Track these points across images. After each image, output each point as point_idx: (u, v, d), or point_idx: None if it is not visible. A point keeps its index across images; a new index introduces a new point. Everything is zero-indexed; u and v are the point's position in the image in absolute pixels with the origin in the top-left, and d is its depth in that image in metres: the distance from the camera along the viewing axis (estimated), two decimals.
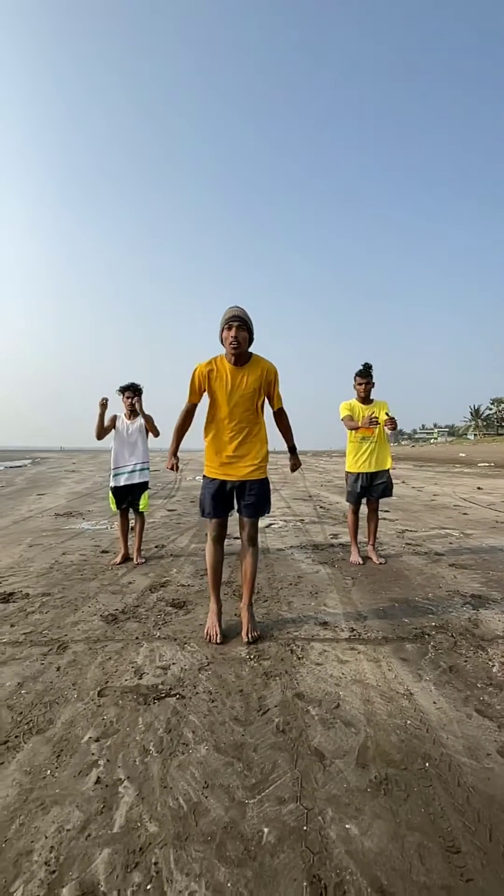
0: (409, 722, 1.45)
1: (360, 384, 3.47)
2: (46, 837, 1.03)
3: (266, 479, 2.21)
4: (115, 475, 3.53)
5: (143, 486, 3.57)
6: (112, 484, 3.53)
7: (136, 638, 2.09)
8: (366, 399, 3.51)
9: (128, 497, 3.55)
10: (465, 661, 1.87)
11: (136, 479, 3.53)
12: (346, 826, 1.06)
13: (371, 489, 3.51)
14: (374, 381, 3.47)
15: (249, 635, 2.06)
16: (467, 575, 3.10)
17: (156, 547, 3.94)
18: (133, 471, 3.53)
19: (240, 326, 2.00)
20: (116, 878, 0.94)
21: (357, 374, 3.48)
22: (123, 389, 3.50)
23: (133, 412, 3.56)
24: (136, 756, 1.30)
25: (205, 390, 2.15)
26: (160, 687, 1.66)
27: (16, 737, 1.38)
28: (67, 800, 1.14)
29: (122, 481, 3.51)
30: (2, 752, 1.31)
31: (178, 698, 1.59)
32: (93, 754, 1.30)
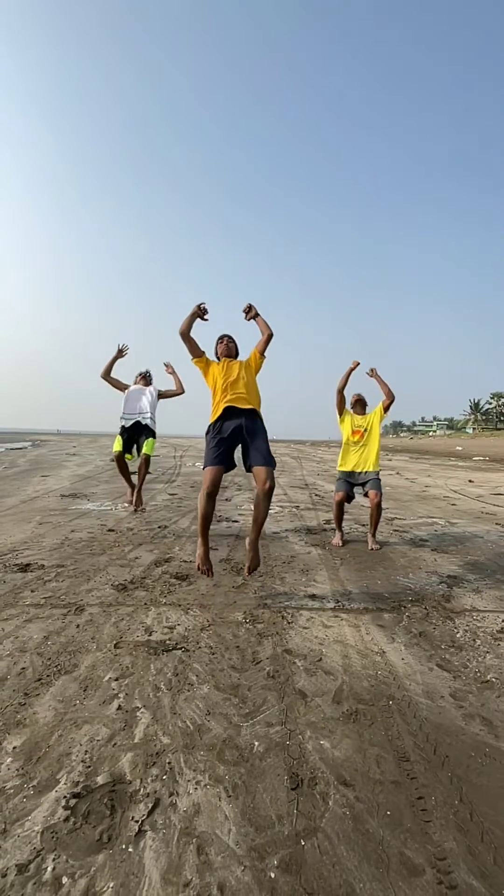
0: (379, 672, 1.72)
1: (353, 405, 4.05)
2: (81, 745, 1.29)
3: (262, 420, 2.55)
4: (124, 419, 4.08)
5: (150, 433, 4.05)
6: (122, 424, 4.06)
7: (145, 603, 2.35)
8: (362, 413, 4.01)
9: (134, 438, 4.02)
10: (434, 629, 2.13)
11: (143, 422, 4.07)
12: (321, 742, 1.32)
13: (361, 480, 3.76)
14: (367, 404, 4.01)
15: (248, 569, 2.39)
16: (447, 558, 3.37)
17: (159, 527, 4.19)
18: (140, 419, 4.08)
19: (230, 339, 2.47)
20: (139, 770, 1.20)
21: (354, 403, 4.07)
22: (141, 375, 4.42)
23: (146, 384, 4.36)
24: (150, 691, 1.56)
25: (202, 353, 2.55)
26: (167, 642, 1.92)
27: (47, 676, 1.64)
28: (95, 720, 1.40)
29: (130, 423, 4.08)
30: (37, 687, 1.57)
31: (183, 651, 1.85)
32: (113, 689, 1.56)
